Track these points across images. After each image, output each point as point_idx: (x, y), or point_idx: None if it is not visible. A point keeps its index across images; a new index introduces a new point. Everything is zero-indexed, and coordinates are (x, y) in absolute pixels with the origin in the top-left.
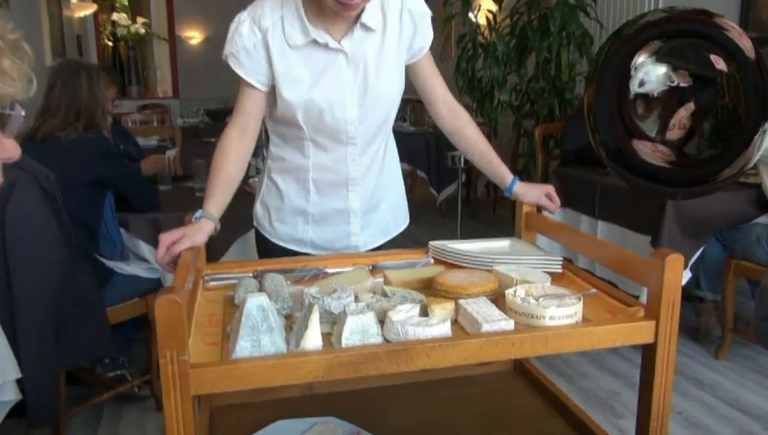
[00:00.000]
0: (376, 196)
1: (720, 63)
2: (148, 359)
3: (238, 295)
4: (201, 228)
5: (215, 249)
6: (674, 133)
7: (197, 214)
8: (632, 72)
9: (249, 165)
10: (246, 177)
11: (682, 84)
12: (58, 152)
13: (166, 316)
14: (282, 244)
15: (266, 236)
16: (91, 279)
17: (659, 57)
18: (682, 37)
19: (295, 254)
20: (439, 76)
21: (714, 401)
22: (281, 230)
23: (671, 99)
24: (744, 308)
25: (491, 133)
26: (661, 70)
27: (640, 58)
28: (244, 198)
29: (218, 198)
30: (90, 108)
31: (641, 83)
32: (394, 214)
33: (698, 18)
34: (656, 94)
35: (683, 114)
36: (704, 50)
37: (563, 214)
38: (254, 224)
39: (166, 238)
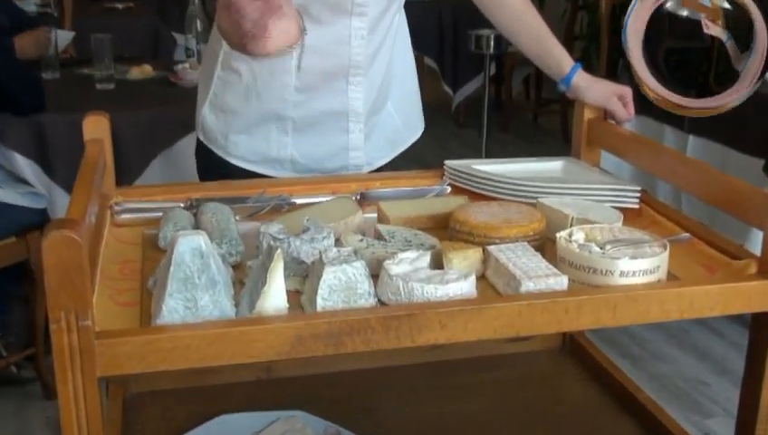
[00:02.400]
0: (383, 90)
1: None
2: (32, 326)
3: (164, 234)
4: None
5: (127, 166)
6: None
7: None
8: None
9: (175, 46)
10: (171, 62)
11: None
12: None
13: (58, 262)
14: (245, 165)
15: (221, 154)
16: None
17: None
18: None
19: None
20: None
21: None
22: (245, 146)
23: None
24: None
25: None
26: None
27: None
28: (168, 92)
29: None
30: None
31: None
32: (405, 115)
33: None
34: None
35: None
36: None
37: (639, 124)
38: (199, 137)
39: None
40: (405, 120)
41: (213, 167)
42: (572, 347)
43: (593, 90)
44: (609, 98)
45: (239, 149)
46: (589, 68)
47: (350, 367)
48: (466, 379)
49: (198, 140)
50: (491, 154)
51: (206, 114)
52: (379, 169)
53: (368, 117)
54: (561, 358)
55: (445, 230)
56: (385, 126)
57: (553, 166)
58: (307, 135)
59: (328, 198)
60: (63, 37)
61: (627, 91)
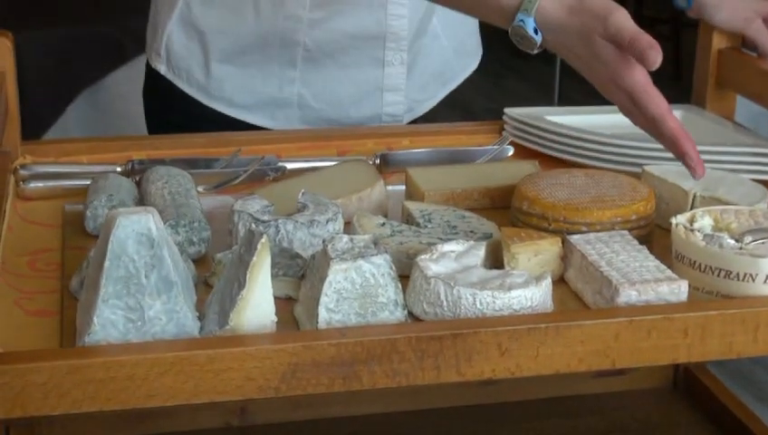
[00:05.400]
0: (428, 3)
1: None
2: None
3: (94, 212)
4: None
5: (35, 111)
6: None
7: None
8: None
9: None
10: None
11: None
12: None
13: None
14: (231, 111)
15: (194, 95)
16: None
17: None
18: None
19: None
20: None
21: None
22: (233, 82)
23: None
24: None
25: None
26: None
27: None
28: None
29: None
30: None
31: None
32: (458, 39)
33: None
34: None
35: None
36: None
37: None
38: (158, 68)
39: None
40: (457, 45)
41: (177, 116)
42: (688, 386)
43: (726, 6)
44: (751, 20)
45: (224, 87)
46: None
47: (364, 410)
48: (537, 429)
49: (152, 73)
50: (569, 99)
51: (174, 34)
52: (418, 120)
53: (412, 41)
54: (673, 401)
55: (506, 211)
56: (430, 53)
57: None
58: (324, 68)
59: (333, 162)
60: None
61: None
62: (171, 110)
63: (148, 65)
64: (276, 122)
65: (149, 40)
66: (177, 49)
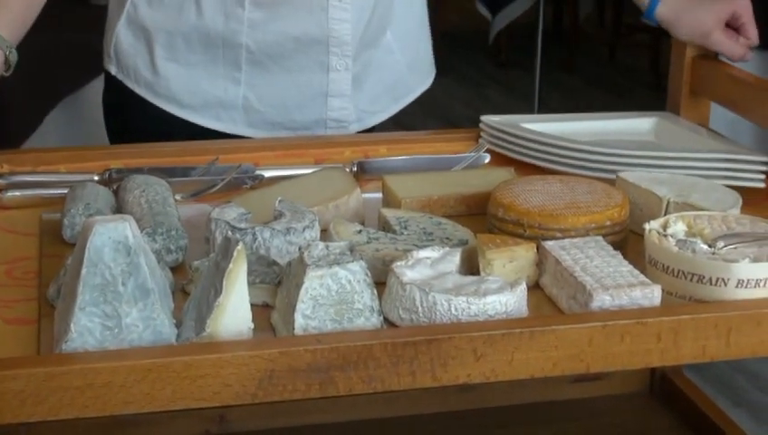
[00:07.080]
0: (380, 13)
1: None
2: None
3: (71, 221)
4: None
5: (13, 120)
6: None
7: None
8: None
9: None
10: None
11: None
12: None
13: None
14: (177, 111)
15: (142, 93)
16: None
17: None
18: None
19: (208, 135)
20: None
21: None
22: (177, 81)
23: None
24: None
25: None
26: None
27: None
28: (74, 10)
29: (12, 7)
30: None
31: None
32: (412, 53)
33: None
34: None
35: None
36: None
37: (762, 61)
38: (110, 70)
39: None
40: (411, 61)
41: (129, 117)
42: (664, 390)
43: (684, 22)
44: (708, 33)
45: (170, 86)
46: None
47: (341, 417)
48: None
49: (108, 75)
50: (548, 107)
51: (121, 34)
52: (374, 129)
53: (358, 50)
54: (650, 406)
55: (482, 218)
56: (383, 66)
57: (640, 125)
58: (268, 71)
59: (310, 170)
60: None
61: (742, 9)
62: (125, 112)
63: (105, 70)
64: (222, 124)
65: (104, 44)
66: (125, 48)
